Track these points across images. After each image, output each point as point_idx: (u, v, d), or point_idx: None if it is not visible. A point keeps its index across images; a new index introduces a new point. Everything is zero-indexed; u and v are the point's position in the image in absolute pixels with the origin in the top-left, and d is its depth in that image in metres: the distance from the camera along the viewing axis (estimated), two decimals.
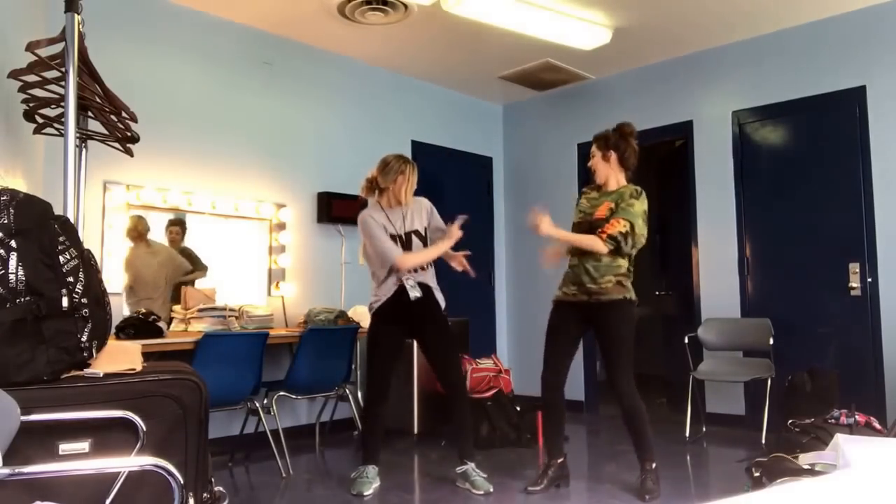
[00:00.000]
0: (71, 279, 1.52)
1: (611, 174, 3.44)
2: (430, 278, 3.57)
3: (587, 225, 3.38)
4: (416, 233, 3.55)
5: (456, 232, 3.49)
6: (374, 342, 3.50)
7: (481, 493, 3.36)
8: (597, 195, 3.48)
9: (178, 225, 4.36)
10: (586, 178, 5.94)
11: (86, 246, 1.67)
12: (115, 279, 3.96)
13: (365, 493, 3.33)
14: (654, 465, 3.29)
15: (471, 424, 3.66)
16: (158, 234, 4.29)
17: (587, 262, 3.32)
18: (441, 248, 3.50)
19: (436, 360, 3.55)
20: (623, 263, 3.33)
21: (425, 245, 3.55)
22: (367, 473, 3.42)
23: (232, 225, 4.61)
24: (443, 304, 3.60)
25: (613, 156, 3.41)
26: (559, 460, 3.44)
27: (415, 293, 3.42)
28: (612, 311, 3.29)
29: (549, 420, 3.50)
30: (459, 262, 3.57)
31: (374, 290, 3.54)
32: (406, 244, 3.50)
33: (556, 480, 3.42)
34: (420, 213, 3.60)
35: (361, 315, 4.45)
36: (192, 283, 4.36)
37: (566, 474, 3.47)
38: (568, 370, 3.44)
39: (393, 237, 3.47)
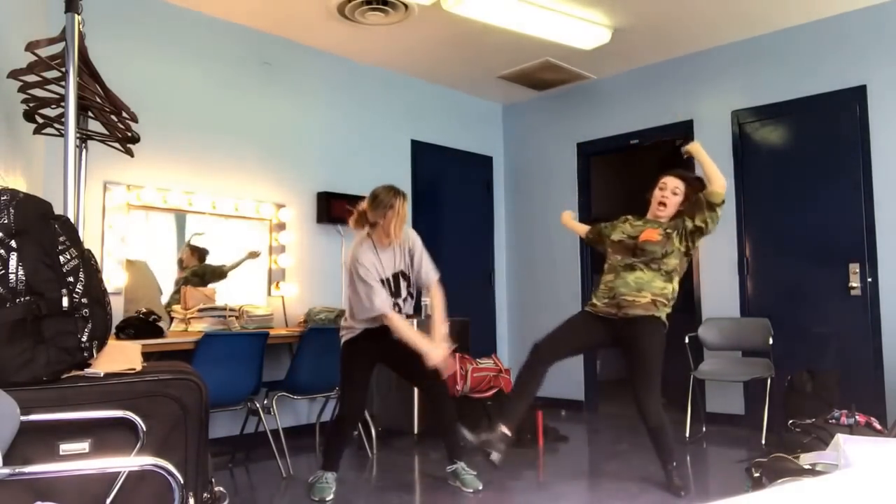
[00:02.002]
0: (71, 279, 1.52)
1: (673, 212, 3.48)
2: (410, 307, 3.53)
3: (632, 245, 3.41)
4: (402, 274, 3.46)
5: (440, 350, 3.30)
6: (350, 365, 3.44)
7: (471, 490, 3.38)
8: (641, 223, 3.52)
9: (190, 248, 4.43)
10: (586, 177, 5.97)
11: (86, 246, 1.67)
12: (115, 279, 3.96)
13: (328, 499, 3.29)
14: (675, 464, 3.36)
15: (457, 423, 3.62)
16: (158, 233, 4.29)
17: (630, 275, 3.34)
18: (422, 343, 3.30)
19: (404, 369, 3.53)
20: (669, 287, 3.35)
21: (409, 285, 3.48)
22: (327, 479, 3.37)
23: (232, 225, 4.61)
24: None
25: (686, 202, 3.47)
26: (506, 429, 3.27)
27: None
28: (639, 326, 3.28)
29: (522, 386, 3.36)
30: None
31: (350, 321, 3.44)
32: (394, 287, 3.42)
33: (489, 446, 3.23)
34: (405, 247, 3.47)
35: None
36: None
37: (502, 448, 3.26)
38: (563, 360, 3.41)
39: (381, 282, 3.36)
